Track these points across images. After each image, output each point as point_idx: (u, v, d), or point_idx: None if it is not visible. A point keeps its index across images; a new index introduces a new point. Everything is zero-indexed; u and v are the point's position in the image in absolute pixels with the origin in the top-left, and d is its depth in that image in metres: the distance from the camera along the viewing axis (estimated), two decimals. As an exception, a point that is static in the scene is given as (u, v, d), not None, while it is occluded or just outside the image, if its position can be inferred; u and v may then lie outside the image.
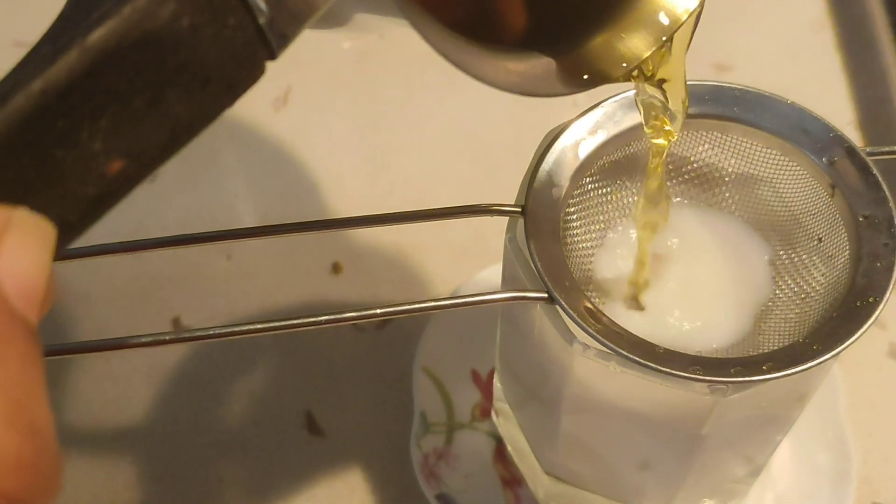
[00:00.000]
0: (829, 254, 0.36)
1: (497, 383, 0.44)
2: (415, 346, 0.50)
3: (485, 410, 0.48)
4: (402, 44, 0.65)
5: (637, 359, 0.31)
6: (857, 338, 0.31)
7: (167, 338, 0.31)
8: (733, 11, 0.66)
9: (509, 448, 0.46)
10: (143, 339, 0.31)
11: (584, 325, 0.31)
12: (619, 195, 0.39)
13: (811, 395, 0.37)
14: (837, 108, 0.62)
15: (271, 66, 0.56)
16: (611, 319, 0.32)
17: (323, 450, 0.49)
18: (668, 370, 0.31)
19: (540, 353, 0.36)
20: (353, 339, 0.52)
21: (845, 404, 0.47)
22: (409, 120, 0.61)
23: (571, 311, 0.32)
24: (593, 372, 0.33)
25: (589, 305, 0.32)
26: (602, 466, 0.41)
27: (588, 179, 0.37)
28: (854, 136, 0.60)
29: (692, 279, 0.37)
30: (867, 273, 0.33)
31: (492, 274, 0.50)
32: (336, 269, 0.55)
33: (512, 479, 0.46)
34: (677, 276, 0.37)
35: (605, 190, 0.38)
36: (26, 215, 0.21)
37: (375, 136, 0.61)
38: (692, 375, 0.31)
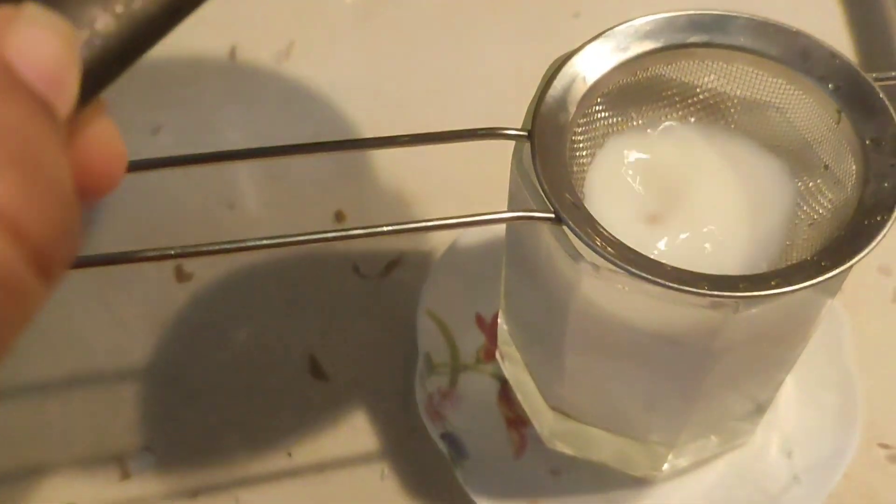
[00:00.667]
0: (837, 178, 0.36)
1: (502, 324, 0.44)
2: (418, 293, 0.50)
3: (489, 353, 0.48)
4: (403, 1, 0.65)
5: (645, 275, 0.31)
6: (866, 254, 0.31)
7: (172, 252, 0.31)
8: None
9: (514, 389, 0.46)
10: (149, 254, 0.31)
11: (592, 243, 0.31)
12: (626, 123, 0.38)
13: (815, 325, 0.37)
14: (834, 38, 0.61)
15: (273, 20, 0.56)
16: (618, 239, 0.32)
17: (326, 393, 0.49)
18: (676, 286, 0.31)
19: (547, 278, 0.36)
20: (357, 285, 0.52)
21: (851, 346, 0.47)
22: (413, 76, 0.61)
23: (578, 230, 0.32)
24: (601, 293, 0.33)
25: (596, 225, 0.32)
26: (608, 403, 0.41)
27: (596, 106, 0.37)
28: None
29: (709, 202, 0.37)
30: (875, 194, 0.33)
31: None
32: (339, 217, 0.55)
33: (517, 419, 0.46)
34: (692, 200, 0.37)
35: (613, 119, 0.38)
36: (37, 9, 0.20)
37: (379, 92, 0.60)
38: (700, 291, 0.30)
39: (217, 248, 0.32)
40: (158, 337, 0.51)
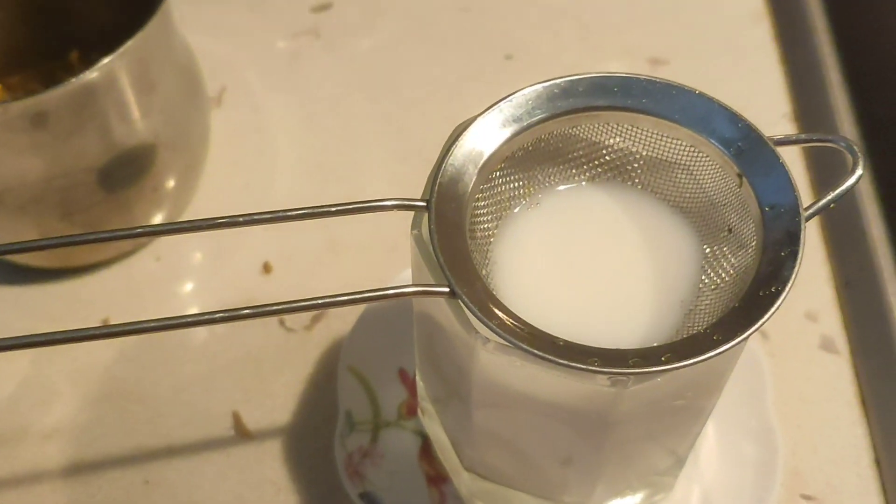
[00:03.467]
0: (741, 243, 0.36)
1: (419, 381, 0.44)
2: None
3: (411, 408, 0.47)
4: (334, 44, 0.65)
5: (536, 352, 0.30)
6: (757, 328, 0.31)
7: (98, 332, 0.31)
8: (669, 5, 0.66)
9: (434, 445, 0.45)
10: (74, 335, 0.31)
11: (484, 318, 0.31)
12: (532, 187, 0.38)
13: (722, 384, 0.37)
14: (774, 100, 0.61)
15: (206, 67, 0.56)
16: (514, 314, 0.32)
17: (250, 451, 0.49)
18: (566, 362, 0.30)
19: (450, 347, 0.35)
20: (282, 339, 0.52)
21: (772, 396, 0.47)
22: (341, 119, 0.61)
23: (472, 305, 0.31)
24: (498, 365, 0.33)
25: (493, 299, 0.32)
26: (519, 461, 0.41)
27: (498, 172, 0.37)
28: (790, 127, 0.60)
29: (615, 266, 0.37)
30: (772, 262, 0.33)
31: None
32: (266, 268, 0.55)
33: (437, 477, 0.46)
34: (599, 264, 0.37)
35: (517, 184, 0.38)
36: None
37: (308, 135, 0.60)
38: (590, 367, 0.30)
39: (142, 327, 0.32)
40: (82, 395, 0.51)
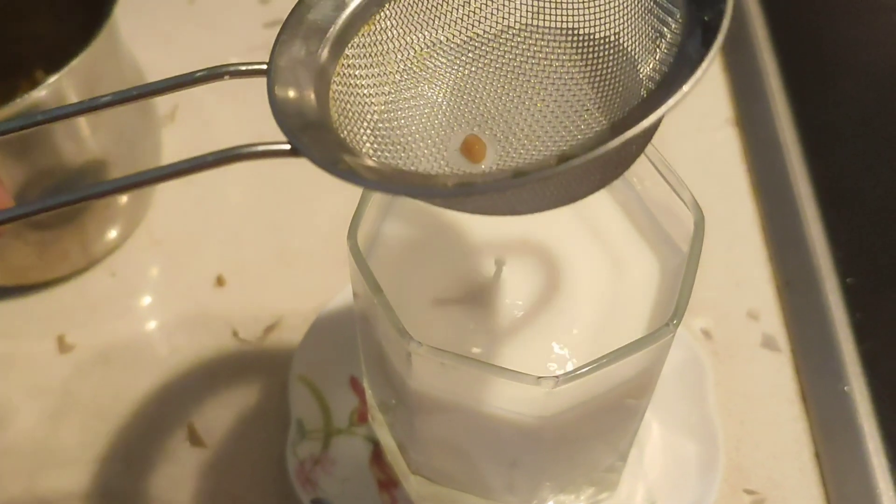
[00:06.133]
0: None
1: (367, 387, 0.45)
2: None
3: (362, 415, 0.48)
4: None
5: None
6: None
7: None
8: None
9: (384, 450, 0.46)
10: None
11: (324, 163, 0.29)
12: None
13: (653, 382, 0.38)
14: (716, 106, 0.63)
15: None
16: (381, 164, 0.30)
17: (204, 460, 0.49)
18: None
19: (389, 352, 0.36)
20: (236, 350, 0.53)
21: (714, 394, 0.48)
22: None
23: (312, 152, 0.29)
24: (430, 368, 0.34)
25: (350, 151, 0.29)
26: (465, 464, 0.42)
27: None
28: (732, 132, 0.62)
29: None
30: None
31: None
32: (219, 281, 0.55)
33: (388, 482, 0.46)
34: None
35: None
36: None
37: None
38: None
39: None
40: (39, 410, 0.51)
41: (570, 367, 0.33)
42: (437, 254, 0.39)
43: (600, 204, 0.39)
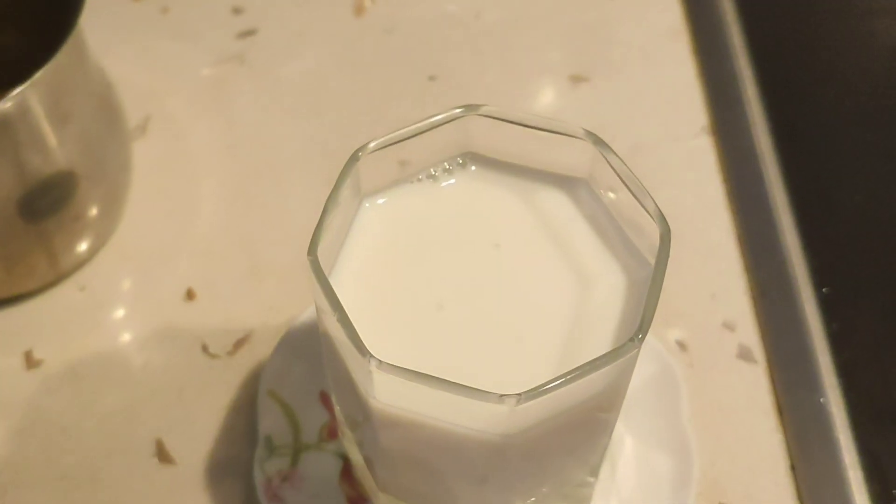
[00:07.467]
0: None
1: (335, 402, 0.44)
2: (266, 371, 0.50)
3: (332, 431, 0.48)
4: (259, 70, 0.65)
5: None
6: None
7: None
8: (589, 23, 0.67)
9: (354, 467, 0.46)
10: None
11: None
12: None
13: (619, 398, 0.38)
14: (692, 114, 0.62)
15: (131, 96, 0.56)
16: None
17: (173, 477, 0.49)
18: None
19: (350, 368, 0.36)
20: (205, 365, 0.52)
21: (688, 408, 0.48)
22: (265, 144, 0.61)
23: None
24: (390, 385, 0.33)
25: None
26: (433, 482, 0.41)
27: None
28: (707, 140, 0.61)
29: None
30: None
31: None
32: (189, 295, 0.55)
33: (358, 498, 0.46)
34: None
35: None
36: None
37: (232, 161, 0.61)
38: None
39: None
40: (4, 427, 0.51)
41: (535, 384, 0.32)
42: (402, 269, 0.38)
43: (567, 217, 0.39)
